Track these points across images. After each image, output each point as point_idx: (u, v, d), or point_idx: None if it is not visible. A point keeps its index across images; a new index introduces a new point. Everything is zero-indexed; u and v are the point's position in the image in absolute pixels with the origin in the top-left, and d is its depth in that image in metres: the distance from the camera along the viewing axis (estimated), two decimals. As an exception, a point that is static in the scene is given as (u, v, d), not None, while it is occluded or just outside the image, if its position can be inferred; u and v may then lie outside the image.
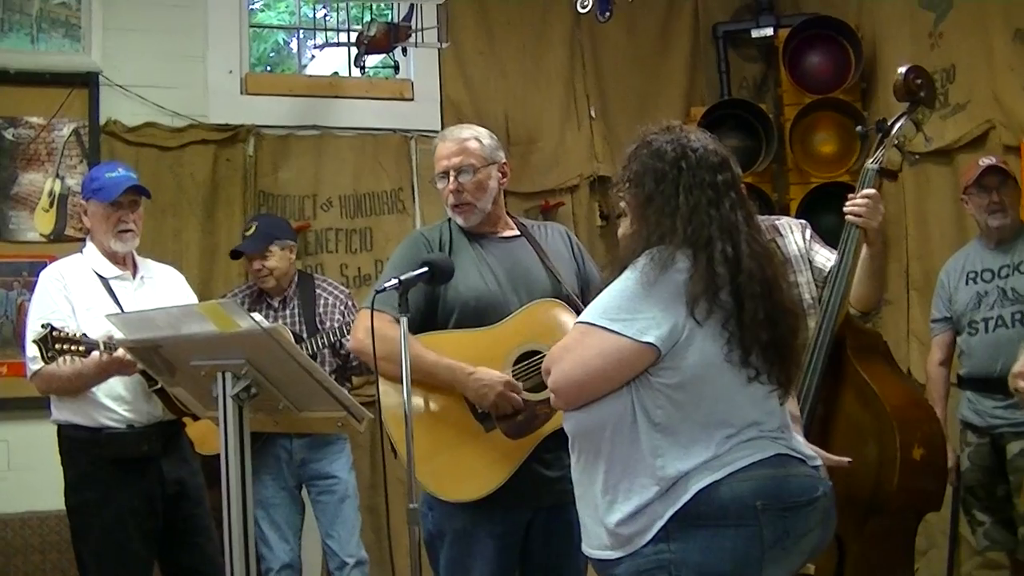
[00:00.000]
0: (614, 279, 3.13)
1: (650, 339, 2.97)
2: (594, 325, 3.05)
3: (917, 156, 6.79)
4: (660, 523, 2.97)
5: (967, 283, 5.79)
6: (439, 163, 4.35)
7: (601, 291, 3.16)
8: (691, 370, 3.00)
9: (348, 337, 5.74)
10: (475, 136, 4.38)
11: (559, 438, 3.88)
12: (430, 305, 4.18)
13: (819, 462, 3.24)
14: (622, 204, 3.34)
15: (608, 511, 3.06)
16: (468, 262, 4.24)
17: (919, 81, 4.27)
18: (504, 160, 4.43)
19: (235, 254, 6.23)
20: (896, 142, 4.30)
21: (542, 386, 4.00)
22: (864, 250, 4.09)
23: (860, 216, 4.05)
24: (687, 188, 3.11)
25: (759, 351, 3.05)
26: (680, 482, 2.97)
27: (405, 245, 4.41)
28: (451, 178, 4.29)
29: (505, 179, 4.43)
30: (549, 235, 4.53)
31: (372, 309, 3.80)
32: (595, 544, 3.13)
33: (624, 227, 3.40)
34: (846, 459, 3.69)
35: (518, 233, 4.46)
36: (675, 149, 3.16)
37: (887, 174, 4.39)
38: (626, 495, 3.02)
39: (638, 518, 3.00)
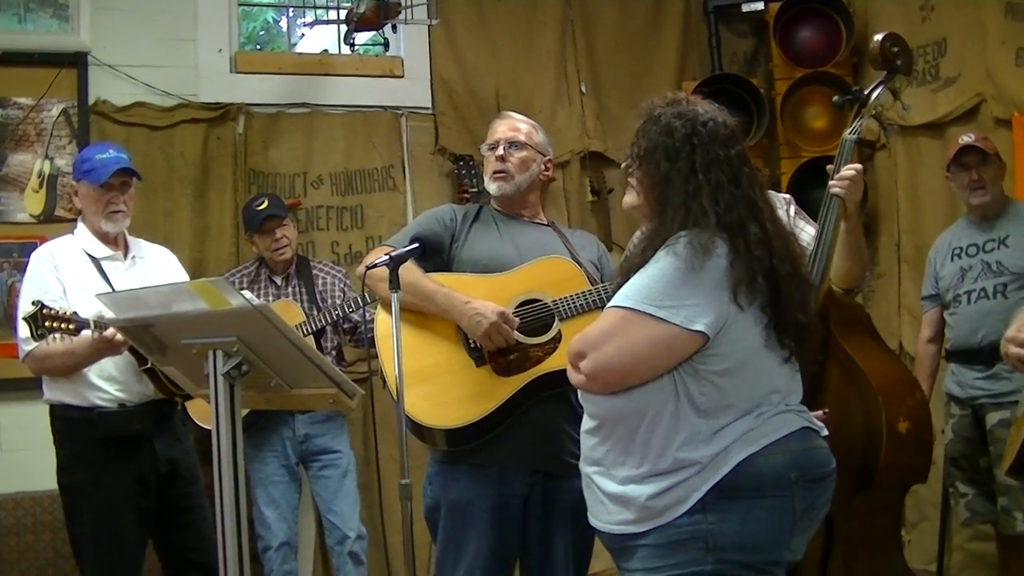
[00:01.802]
0: (638, 261, 3.12)
1: (700, 327, 2.96)
2: (638, 311, 3.01)
3: (896, 126, 6.81)
4: (698, 495, 2.98)
5: (952, 259, 5.82)
6: (494, 134, 4.50)
7: (627, 273, 3.16)
8: (736, 356, 3.01)
9: (354, 311, 5.81)
10: (532, 125, 4.58)
11: (559, 399, 3.91)
12: (444, 266, 4.30)
13: (826, 432, 3.26)
14: (631, 180, 3.32)
15: (639, 489, 3.04)
16: (489, 231, 4.37)
17: (896, 49, 4.21)
18: (551, 158, 4.58)
19: (267, 218, 6.20)
20: (874, 112, 4.26)
21: (539, 331, 4.04)
22: (843, 225, 4.07)
23: (844, 188, 4.03)
24: (704, 166, 3.09)
25: (793, 332, 3.09)
26: (720, 456, 2.99)
27: (433, 209, 4.57)
28: (500, 147, 4.41)
29: (547, 173, 4.56)
30: (578, 235, 4.67)
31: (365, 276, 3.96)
32: (613, 519, 3.11)
33: (630, 199, 3.37)
34: (820, 412, 3.69)
35: (547, 224, 4.57)
36: (684, 125, 3.14)
37: (865, 144, 4.36)
38: (662, 475, 3.01)
39: (673, 491, 3.00)
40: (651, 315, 2.98)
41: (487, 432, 4.05)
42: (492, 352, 4.10)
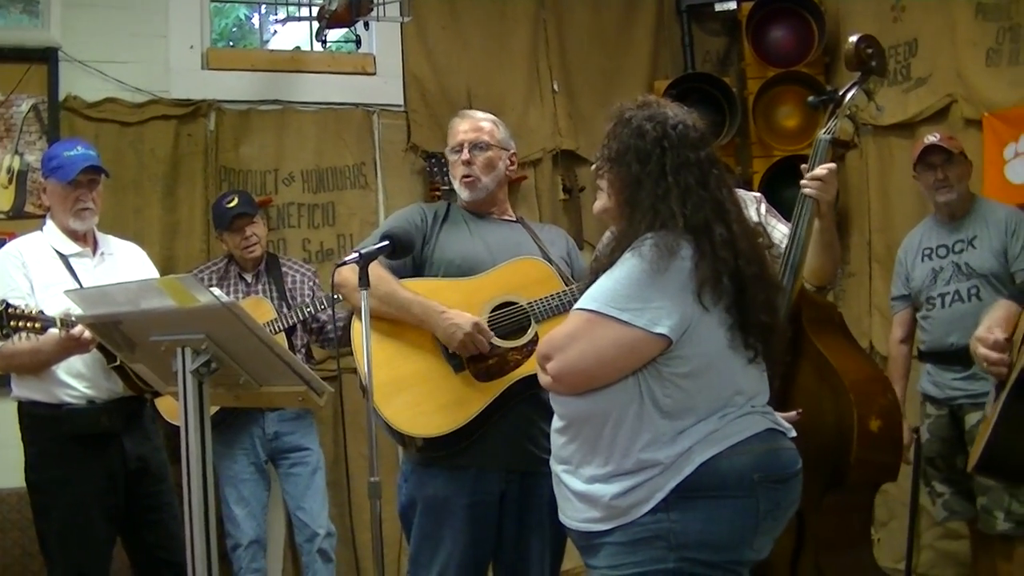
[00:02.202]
0: (605, 264, 3.13)
1: (663, 330, 2.97)
2: (602, 314, 3.02)
3: (868, 126, 6.84)
4: (661, 494, 3.00)
5: (923, 259, 5.85)
6: (456, 136, 4.49)
7: (595, 275, 3.16)
8: (700, 358, 3.03)
9: (323, 310, 5.81)
10: (492, 121, 4.57)
11: (535, 400, 3.92)
12: (416, 267, 4.29)
13: (794, 433, 3.28)
14: (601, 183, 3.33)
15: (603, 489, 3.06)
16: (459, 231, 4.36)
17: (870, 50, 4.23)
18: (514, 151, 4.58)
19: (237, 216, 6.18)
20: (848, 112, 4.28)
21: (514, 335, 4.04)
22: (816, 223, 4.08)
23: (816, 189, 4.03)
24: (674, 169, 3.10)
25: (757, 332, 3.09)
26: (683, 456, 3.00)
27: (401, 211, 4.57)
28: (465, 150, 4.41)
29: (513, 168, 4.57)
30: (547, 229, 4.68)
31: (334, 272, 3.99)
32: (580, 516, 3.13)
33: (601, 203, 3.38)
34: (794, 413, 3.70)
35: (516, 220, 4.57)
36: (655, 127, 3.15)
37: (839, 144, 4.37)
38: (626, 475, 3.03)
39: (637, 491, 3.02)
40: (615, 318, 2.99)
41: (468, 437, 4.05)
42: (470, 358, 4.10)
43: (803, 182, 4.07)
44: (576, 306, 3.12)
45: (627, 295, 3.00)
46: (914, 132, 6.82)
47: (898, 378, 5.90)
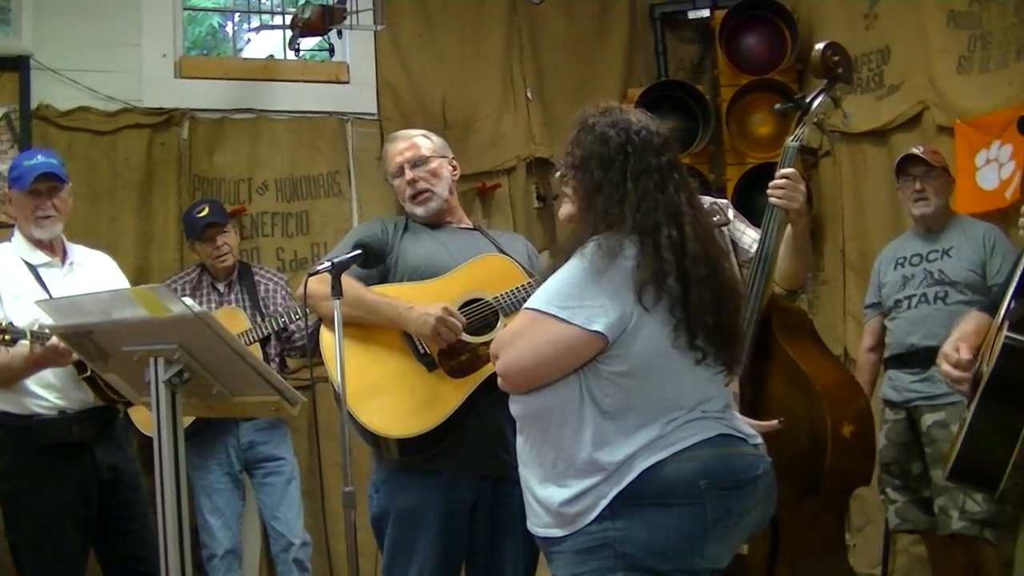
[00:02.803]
0: (560, 265, 3.13)
1: (598, 327, 2.98)
2: (542, 312, 3.05)
3: (838, 134, 6.86)
4: (605, 502, 3.00)
5: (895, 268, 5.89)
6: (393, 160, 4.49)
7: (547, 277, 3.17)
8: (639, 357, 3.02)
9: (297, 319, 5.80)
10: (423, 134, 4.58)
11: (507, 404, 3.93)
12: (382, 273, 4.29)
13: (759, 440, 3.27)
14: (565, 189, 3.33)
15: (552, 492, 3.07)
16: (420, 239, 4.36)
17: (836, 58, 4.26)
18: (452, 157, 4.59)
19: (208, 226, 6.15)
20: (815, 119, 4.29)
21: (484, 330, 4.05)
22: (788, 229, 4.08)
23: (780, 197, 4.04)
24: (635, 175, 3.11)
25: (705, 334, 3.07)
26: (625, 463, 2.99)
27: (363, 224, 4.53)
28: (406, 170, 4.41)
29: (456, 172, 4.57)
30: (505, 236, 4.68)
31: (306, 281, 3.96)
32: (539, 523, 3.15)
33: (566, 210, 3.38)
34: (775, 422, 3.71)
35: (474, 228, 4.60)
36: (619, 134, 3.16)
37: (807, 151, 4.39)
38: (571, 479, 3.04)
39: (583, 498, 3.02)
40: (554, 316, 3.02)
41: (447, 437, 4.04)
42: (442, 355, 4.10)
43: (768, 191, 4.08)
44: (524, 306, 3.16)
45: (567, 294, 3.03)
46: (887, 139, 6.85)
47: (864, 385, 5.83)
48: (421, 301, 4.11)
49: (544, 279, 3.20)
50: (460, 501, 4.14)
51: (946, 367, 3.54)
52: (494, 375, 3.87)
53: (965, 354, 3.51)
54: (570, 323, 2.99)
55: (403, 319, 4.08)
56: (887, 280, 5.90)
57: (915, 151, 5.80)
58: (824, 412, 4.00)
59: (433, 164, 4.44)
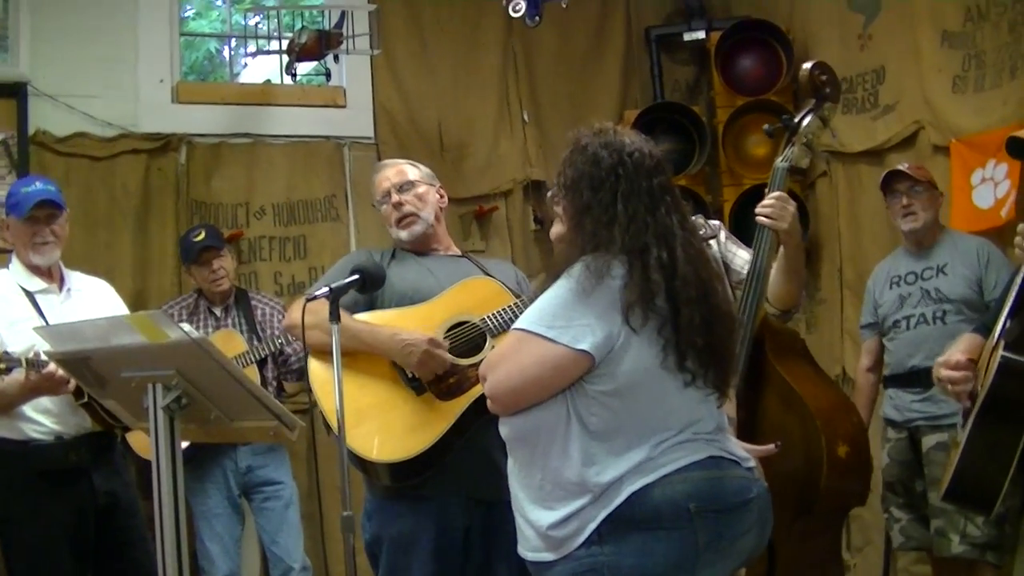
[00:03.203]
0: (548, 286, 3.12)
1: (584, 347, 2.96)
2: (529, 332, 3.04)
3: (827, 154, 6.90)
4: (593, 526, 2.96)
5: (891, 287, 5.87)
6: (381, 186, 4.49)
7: (536, 298, 3.16)
8: (626, 377, 2.99)
9: (293, 342, 5.81)
10: (410, 163, 4.60)
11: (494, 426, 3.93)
12: (368, 301, 4.26)
13: (753, 463, 3.24)
14: (557, 209, 3.32)
15: (541, 515, 3.05)
16: (407, 267, 4.34)
17: (824, 77, 4.25)
18: (440, 186, 4.58)
19: (204, 249, 6.16)
20: (804, 139, 4.27)
21: (472, 352, 4.03)
22: (781, 250, 4.08)
23: (770, 218, 4.03)
24: (625, 196, 3.09)
25: (695, 355, 3.04)
26: (613, 486, 2.96)
27: (347, 256, 4.59)
28: (393, 194, 4.41)
29: (443, 200, 4.57)
30: (494, 263, 4.69)
31: (306, 304, 3.91)
32: (529, 546, 3.12)
33: (556, 230, 3.39)
34: (771, 446, 3.69)
35: (462, 255, 4.60)
36: (611, 155, 3.14)
37: (797, 172, 4.38)
38: (559, 501, 3.01)
39: (571, 522, 2.99)
40: (541, 335, 3.01)
41: (437, 459, 4.01)
42: (431, 379, 4.09)
43: (757, 211, 4.09)
44: (512, 327, 3.16)
45: (554, 313, 3.02)
46: (883, 159, 6.86)
47: (863, 406, 5.91)
48: (407, 327, 4.11)
49: (533, 300, 3.19)
50: (453, 527, 4.12)
51: (945, 372, 3.54)
52: (483, 396, 3.86)
53: (961, 356, 3.51)
54: (556, 342, 2.98)
55: (387, 348, 4.08)
56: (883, 300, 5.88)
57: (900, 167, 5.81)
58: (819, 433, 3.99)
59: (420, 189, 4.45)
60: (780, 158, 4.25)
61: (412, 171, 4.51)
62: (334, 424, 3.85)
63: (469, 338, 4.16)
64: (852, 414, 4.31)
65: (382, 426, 4.04)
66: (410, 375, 4.09)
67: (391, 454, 4.01)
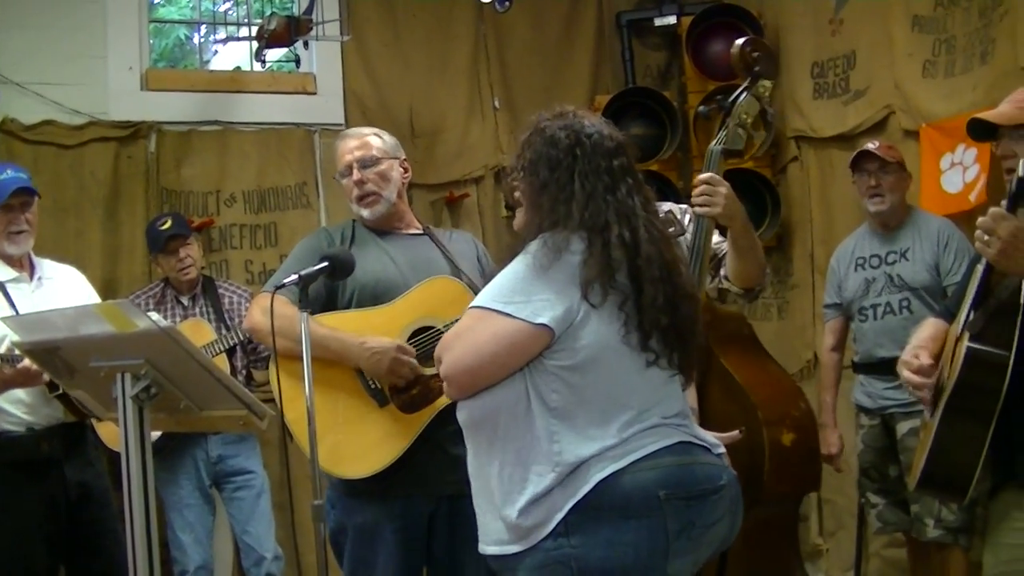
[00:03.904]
0: (506, 264, 3.10)
1: (544, 320, 2.93)
2: (486, 308, 3.01)
3: (799, 139, 6.93)
4: (560, 515, 2.92)
5: (856, 269, 5.87)
6: (342, 159, 4.39)
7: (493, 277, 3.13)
8: (586, 352, 2.97)
9: None
10: (375, 133, 4.47)
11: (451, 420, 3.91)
12: (329, 293, 4.18)
13: (722, 449, 3.23)
14: (517, 194, 3.30)
15: (505, 503, 3.00)
16: (369, 252, 4.24)
17: (756, 54, 4.14)
18: (404, 157, 4.49)
19: (171, 238, 6.09)
20: (738, 120, 4.17)
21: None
22: (729, 231, 4.01)
23: (700, 204, 3.96)
24: (582, 175, 3.08)
25: (659, 335, 3.02)
26: (580, 470, 2.93)
27: (306, 240, 4.45)
28: (355, 170, 4.31)
29: (407, 175, 4.48)
30: (454, 238, 4.57)
31: (274, 294, 3.85)
32: (492, 539, 3.08)
33: (519, 218, 3.36)
34: (736, 432, 3.68)
35: (422, 232, 4.49)
36: (569, 136, 3.12)
37: (732, 154, 4.30)
38: (523, 484, 2.97)
39: (537, 508, 2.95)
40: (498, 311, 2.98)
41: (400, 469, 4.00)
42: (394, 390, 4.03)
43: (692, 198, 4.02)
44: (469, 305, 3.12)
45: (512, 289, 2.99)
46: (854, 144, 6.84)
47: (829, 385, 6.00)
48: (371, 331, 4.05)
49: (488, 280, 3.17)
50: (417, 515, 4.11)
51: (907, 374, 3.54)
52: (446, 409, 3.84)
53: (926, 359, 3.51)
54: (514, 317, 2.95)
55: (354, 355, 4.01)
56: (848, 283, 5.89)
57: (869, 147, 5.80)
58: (760, 423, 3.98)
59: (383, 166, 4.35)
60: (714, 141, 4.17)
61: (376, 144, 4.40)
62: (295, 433, 3.82)
63: (433, 344, 4.11)
64: (799, 400, 4.29)
65: (343, 440, 4.00)
66: (373, 385, 4.05)
67: (352, 470, 4.01)
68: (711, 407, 4.07)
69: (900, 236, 5.75)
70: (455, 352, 3.05)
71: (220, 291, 6.30)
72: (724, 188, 3.95)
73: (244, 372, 6.07)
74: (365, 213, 4.34)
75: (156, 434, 5.23)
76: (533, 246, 3.02)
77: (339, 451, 3.96)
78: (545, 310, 2.94)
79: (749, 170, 7.22)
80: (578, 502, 2.92)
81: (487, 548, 3.11)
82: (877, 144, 5.84)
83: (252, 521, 6.05)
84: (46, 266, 5.03)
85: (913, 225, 5.76)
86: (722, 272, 4.18)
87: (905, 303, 5.61)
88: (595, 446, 2.95)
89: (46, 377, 4.47)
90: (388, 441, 4.00)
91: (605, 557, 2.90)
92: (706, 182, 3.96)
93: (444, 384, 3.14)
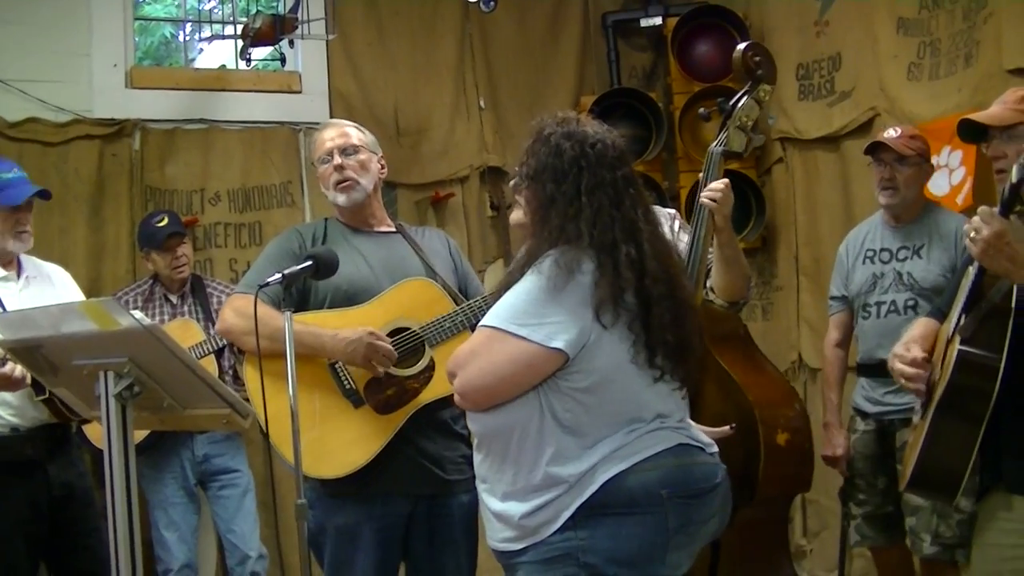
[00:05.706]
0: (515, 281, 3.13)
1: (558, 345, 2.99)
2: (501, 330, 3.05)
3: (784, 141, 6.92)
4: (567, 513, 3.02)
5: (864, 262, 5.52)
6: (323, 146, 4.41)
7: (503, 292, 3.17)
8: (599, 373, 3.04)
9: None
10: (355, 126, 4.52)
11: (436, 422, 3.90)
12: (302, 293, 4.19)
13: (715, 448, 3.30)
14: (518, 198, 3.33)
15: (512, 507, 3.09)
16: (341, 251, 4.20)
17: (757, 58, 4.23)
18: (382, 155, 4.51)
19: (170, 236, 6.11)
20: (739, 123, 4.24)
21: (411, 360, 3.98)
22: (716, 240, 4.08)
23: (714, 200, 4.02)
24: (589, 189, 3.12)
25: (665, 352, 3.10)
26: (587, 475, 3.02)
27: (277, 240, 4.45)
28: (335, 155, 4.33)
29: (383, 172, 4.50)
30: (426, 235, 4.58)
31: (257, 294, 3.80)
32: (498, 537, 3.16)
33: (516, 216, 3.38)
34: (727, 428, 3.71)
35: (394, 230, 4.50)
36: (574, 146, 3.16)
37: (732, 156, 4.35)
38: (533, 493, 3.05)
39: (544, 511, 3.04)
40: (513, 333, 3.03)
41: (376, 468, 4.00)
42: (368, 390, 4.03)
43: (700, 194, 4.09)
44: (480, 323, 3.17)
45: (525, 311, 3.04)
46: (839, 146, 6.90)
47: (833, 383, 5.69)
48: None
49: (499, 294, 3.20)
50: (395, 515, 4.13)
51: (900, 366, 3.54)
52: (422, 410, 3.85)
53: (918, 353, 3.52)
54: (529, 340, 3.00)
55: (329, 348, 4.01)
56: (856, 275, 5.55)
57: (885, 137, 5.42)
58: (756, 422, 4.00)
59: (362, 155, 4.36)
60: (715, 143, 4.25)
61: (356, 135, 4.43)
62: (271, 432, 3.81)
63: (409, 346, 4.11)
64: (794, 401, 4.32)
65: (318, 440, 4.00)
66: (348, 386, 4.05)
67: (327, 470, 4.01)
68: (707, 406, 4.08)
69: (914, 232, 5.38)
70: (470, 371, 3.11)
71: (208, 290, 6.31)
72: (731, 196, 4.08)
73: (231, 371, 6.04)
74: (341, 199, 4.34)
75: (144, 433, 5.27)
76: (545, 264, 3.05)
77: (314, 451, 3.95)
78: (559, 333, 3.00)
79: (734, 171, 7.21)
80: (585, 501, 3.02)
81: (495, 544, 3.20)
82: (898, 132, 5.43)
83: (237, 520, 6.05)
84: (33, 264, 5.02)
85: (929, 221, 5.38)
86: (708, 284, 4.21)
87: (911, 303, 5.27)
88: (603, 451, 3.04)
89: (28, 381, 4.45)
90: (363, 442, 4.01)
91: (610, 548, 3.01)
92: (726, 186, 4.08)
93: (457, 398, 3.18)
